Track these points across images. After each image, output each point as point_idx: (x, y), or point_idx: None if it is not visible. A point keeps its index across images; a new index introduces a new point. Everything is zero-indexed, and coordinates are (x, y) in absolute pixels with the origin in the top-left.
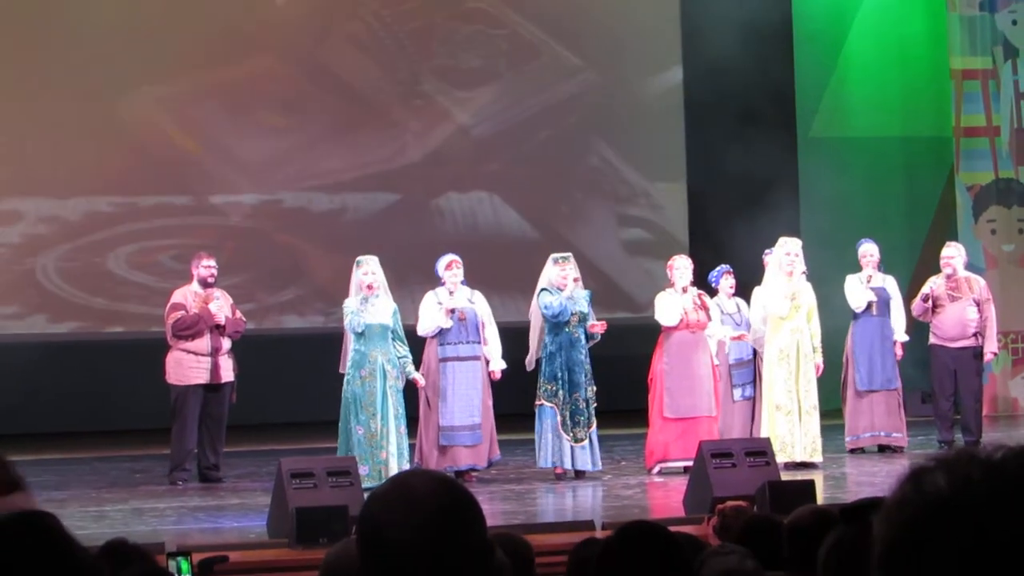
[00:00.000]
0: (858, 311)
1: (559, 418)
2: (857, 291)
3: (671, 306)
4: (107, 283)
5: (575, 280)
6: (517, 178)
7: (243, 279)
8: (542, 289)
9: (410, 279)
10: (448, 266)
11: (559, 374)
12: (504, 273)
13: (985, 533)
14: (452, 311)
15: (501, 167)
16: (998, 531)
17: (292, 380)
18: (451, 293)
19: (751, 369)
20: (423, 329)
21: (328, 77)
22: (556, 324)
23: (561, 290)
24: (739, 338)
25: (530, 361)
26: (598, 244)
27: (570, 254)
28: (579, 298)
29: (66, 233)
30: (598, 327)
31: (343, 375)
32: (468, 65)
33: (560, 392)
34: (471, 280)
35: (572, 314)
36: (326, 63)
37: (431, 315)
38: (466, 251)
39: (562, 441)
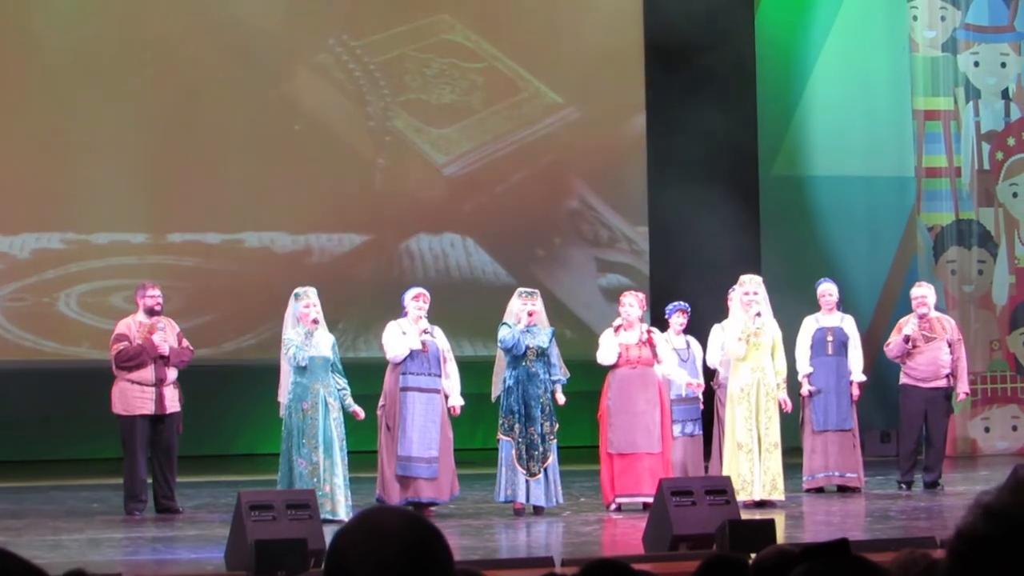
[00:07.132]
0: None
1: (514, 452)
2: (802, 354)
3: (607, 345)
4: (56, 324)
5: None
6: (491, 220)
7: (205, 321)
8: (503, 323)
9: (376, 324)
10: (416, 297)
11: (516, 408)
12: (478, 318)
13: None
14: (426, 331)
15: (475, 208)
16: None
17: (258, 411)
18: (417, 321)
19: (695, 407)
20: (396, 352)
21: (294, 110)
22: (515, 358)
23: (519, 323)
24: (691, 386)
25: (494, 394)
26: (576, 289)
27: (537, 291)
28: (539, 333)
29: (13, 272)
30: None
31: (280, 403)
32: (441, 100)
33: (516, 426)
34: (444, 325)
35: (529, 348)
36: (292, 96)
37: (400, 339)
38: (438, 296)
39: (517, 475)
